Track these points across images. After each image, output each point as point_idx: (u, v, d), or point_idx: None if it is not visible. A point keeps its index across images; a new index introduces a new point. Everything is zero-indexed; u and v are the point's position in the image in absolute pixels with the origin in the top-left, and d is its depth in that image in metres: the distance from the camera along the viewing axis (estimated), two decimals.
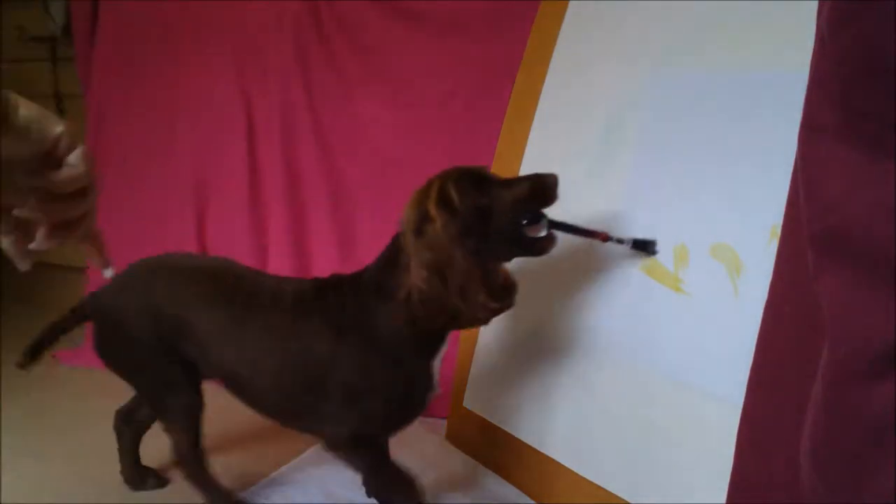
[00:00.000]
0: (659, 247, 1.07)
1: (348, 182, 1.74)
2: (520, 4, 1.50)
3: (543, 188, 0.96)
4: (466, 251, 0.91)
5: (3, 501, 1.26)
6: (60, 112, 2.23)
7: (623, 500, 1.05)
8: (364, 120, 1.71)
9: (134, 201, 1.97)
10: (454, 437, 1.44)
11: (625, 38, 1.22)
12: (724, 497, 0.85)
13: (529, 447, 1.25)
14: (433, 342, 1.02)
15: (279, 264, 1.77)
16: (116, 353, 1.12)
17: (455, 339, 1.49)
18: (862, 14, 0.52)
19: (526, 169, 1.35)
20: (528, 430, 1.26)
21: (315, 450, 1.42)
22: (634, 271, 1.10)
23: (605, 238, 1.04)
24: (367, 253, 1.75)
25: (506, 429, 1.29)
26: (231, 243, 1.85)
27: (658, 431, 1.04)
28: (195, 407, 1.11)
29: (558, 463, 1.18)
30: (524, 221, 0.96)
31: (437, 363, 1.04)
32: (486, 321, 0.96)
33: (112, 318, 1.10)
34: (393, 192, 1.69)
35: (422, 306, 0.93)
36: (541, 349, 1.24)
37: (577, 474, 1.14)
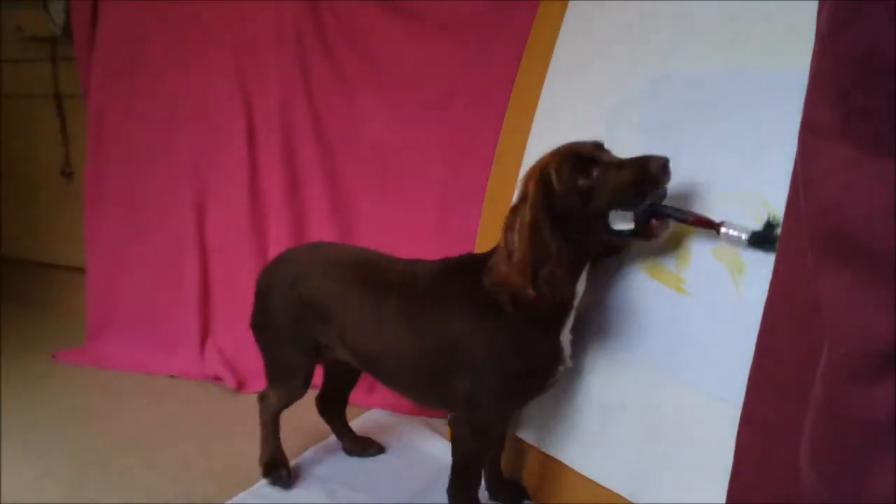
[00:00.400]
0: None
1: (348, 182, 1.74)
2: (520, 4, 1.50)
3: (646, 174, 0.92)
4: (549, 236, 0.93)
5: (3, 501, 1.26)
6: (60, 112, 2.23)
7: (623, 499, 1.06)
8: (364, 120, 1.71)
9: (134, 201, 1.97)
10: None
11: (624, 38, 1.22)
12: (724, 497, 0.85)
13: (530, 446, 1.25)
14: (557, 315, 1.02)
15: None
16: (258, 327, 1.26)
17: None
18: (862, 15, 0.52)
19: (526, 169, 1.35)
20: (528, 429, 1.26)
21: (315, 449, 1.43)
22: (636, 271, 1.10)
23: (718, 228, 0.94)
24: None
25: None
26: (231, 243, 1.85)
27: (658, 431, 1.04)
28: (298, 396, 1.27)
29: (559, 462, 1.18)
30: (622, 209, 0.94)
31: (565, 335, 1.04)
32: (553, 301, 0.96)
33: (259, 296, 1.25)
34: (393, 192, 1.70)
35: (496, 280, 0.96)
36: None
37: (577, 473, 1.14)
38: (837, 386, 0.56)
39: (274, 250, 1.78)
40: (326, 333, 1.18)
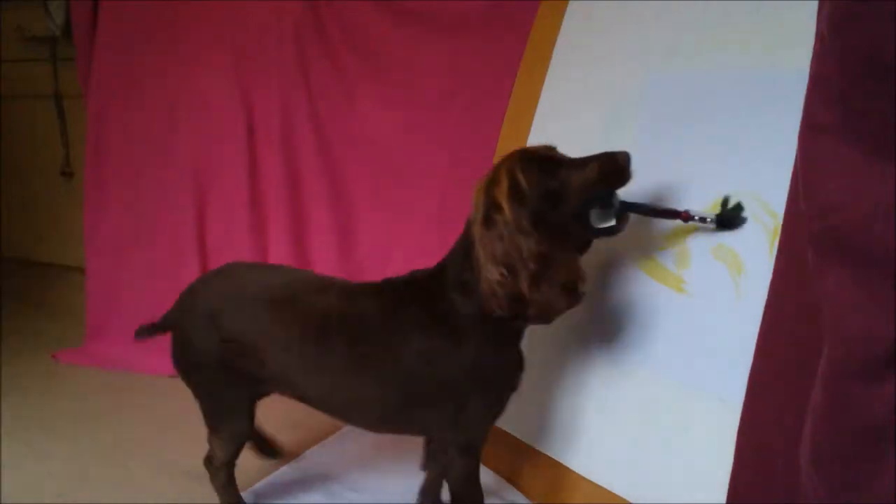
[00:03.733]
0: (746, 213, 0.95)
1: (348, 181, 1.74)
2: (520, 4, 1.50)
3: (614, 168, 0.91)
4: (538, 241, 0.88)
5: (3, 501, 1.26)
6: (60, 112, 2.23)
7: (623, 499, 1.05)
8: (364, 119, 1.71)
9: (134, 201, 1.97)
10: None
11: (624, 38, 1.22)
12: (724, 497, 0.85)
13: (529, 447, 1.25)
14: (519, 325, 0.99)
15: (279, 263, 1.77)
16: (181, 362, 1.13)
17: None
18: (862, 15, 0.52)
19: None
20: (527, 430, 1.26)
21: (315, 449, 1.43)
22: (636, 271, 1.10)
23: (687, 217, 0.96)
24: (367, 252, 1.77)
25: (505, 429, 1.29)
26: (231, 243, 1.85)
27: (658, 431, 1.04)
28: (245, 434, 1.15)
29: (558, 462, 1.18)
30: (593, 206, 0.92)
31: (523, 342, 1.03)
32: (558, 314, 0.92)
33: (179, 330, 1.11)
34: (393, 192, 1.70)
35: (496, 300, 0.90)
36: (540, 349, 1.24)
37: (576, 474, 1.14)
38: (838, 386, 0.56)
39: (274, 250, 1.78)
40: (260, 374, 1.05)
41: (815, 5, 0.62)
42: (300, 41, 1.73)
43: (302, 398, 1.07)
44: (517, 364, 1.02)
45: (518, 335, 1.01)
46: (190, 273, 1.88)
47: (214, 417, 1.13)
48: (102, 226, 2.01)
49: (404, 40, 1.66)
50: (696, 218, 0.96)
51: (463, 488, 1.05)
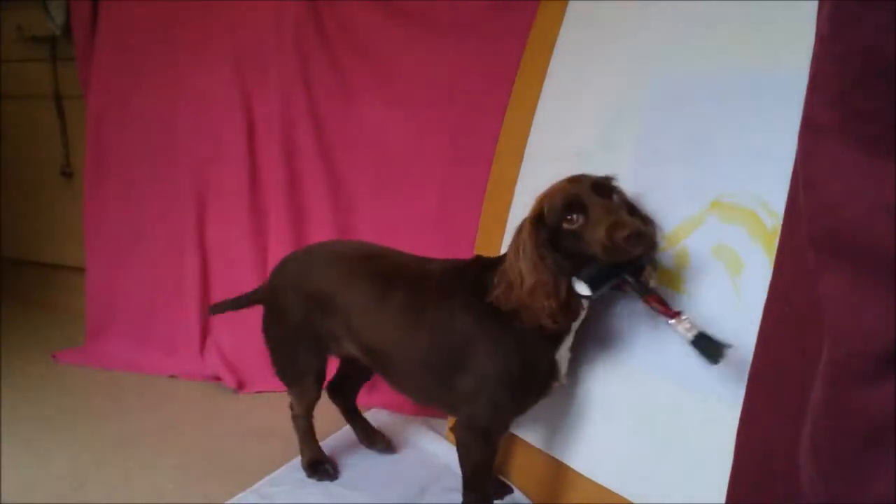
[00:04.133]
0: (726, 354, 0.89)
1: (348, 182, 1.74)
2: (520, 4, 1.50)
3: (614, 247, 0.90)
4: (541, 261, 0.96)
5: (3, 501, 1.26)
6: (60, 112, 2.23)
7: (624, 499, 1.06)
8: (364, 120, 1.71)
9: (134, 201, 1.97)
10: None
11: (624, 38, 1.22)
12: (724, 497, 0.85)
13: (530, 446, 1.25)
14: (558, 332, 1.03)
15: None
16: (269, 328, 1.28)
17: None
18: (862, 15, 0.52)
19: (525, 169, 1.35)
20: (528, 429, 1.26)
21: None
22: None
23: (677, 317, 0.92)
24: None
25: None
26: (231, 243, 1.85)
27: (658, 431, 1.04)
28: (313, 398, 1.30)
29: (559, 462, 1.18)
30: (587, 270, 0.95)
31: (563, 353, 1.06)
32: (547, 325, 0.97)
33: (270, 297, 1.27)
34: (393, 192, 1.70)
35: (500, 296, 0.99)
36: None
37: (577, 473, 1.14)
38: (837, 386, 0.56)
39: (274, 250, 1.78)
40: (334, 327, 1.19)
41: (815, 5, 0.62)
42: (300, 41, 1.73)
43: (365, 350, 1.17)
44: (546, 369, 1.05)
45: (556, 341, 1.04)
46: (190, 273, 1.89)
47: (287, 374, 1.29)
48: (102, 226, 2.01)
49: (404, 40, 1.65)
50: (679, 327, 0.91)
51: (473, 474, 1.09)
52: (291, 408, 1.32)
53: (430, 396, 1.17)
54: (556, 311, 0.96)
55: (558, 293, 0.95)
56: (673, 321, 0.92)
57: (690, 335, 0.90)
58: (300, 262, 1.25)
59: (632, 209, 1.00)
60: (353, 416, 1.44)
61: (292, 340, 1.24)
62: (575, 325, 1.05)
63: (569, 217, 0.95)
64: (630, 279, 0.95)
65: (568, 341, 1.06)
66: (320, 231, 1.75)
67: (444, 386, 1.08)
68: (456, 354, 1.06)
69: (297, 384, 1.28)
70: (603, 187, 0.97)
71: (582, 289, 0.95)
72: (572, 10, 1.34)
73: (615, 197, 0.98)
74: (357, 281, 1.16)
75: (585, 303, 1.01)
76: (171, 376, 1.86)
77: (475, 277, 1.07)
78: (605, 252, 0.91)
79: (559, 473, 1.18)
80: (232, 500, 1.24)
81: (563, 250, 0.96)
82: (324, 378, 1.28)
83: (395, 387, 1.20)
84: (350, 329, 1.17)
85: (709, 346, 0.89)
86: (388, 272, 1.15)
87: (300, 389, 1.28)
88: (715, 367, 0.92)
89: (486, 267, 1.07)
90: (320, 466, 1.32)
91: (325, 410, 1.37)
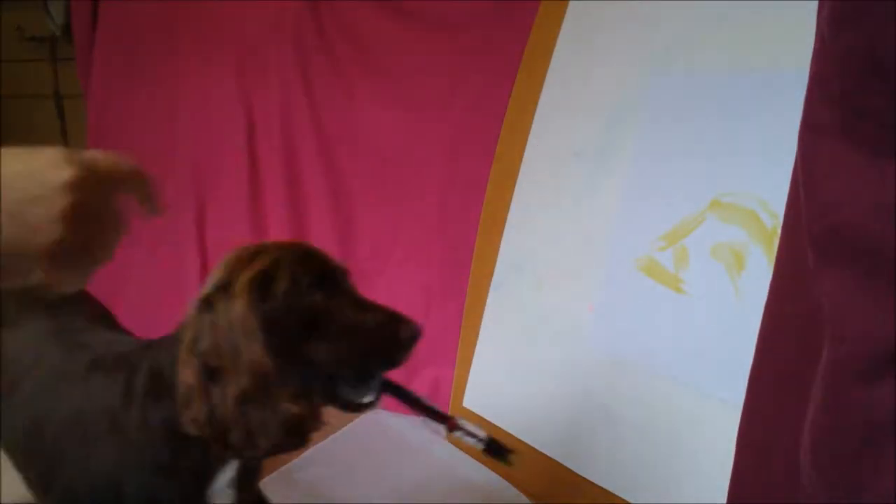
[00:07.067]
0: (512, 459, 0.85)
1: (348, 181, 1.74)
2: (520, 4, 1.50)
3: (393, 343, 0.69)
4: (264, 350, 0.65)
5: (3, 502, 1.25)
6: (60, 112, 2.23)
7: (623, 500, 1.05)
8: (364, 119, 1.71)
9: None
10: (454, 438, 1.44)
11: (625, 38, 1.21)
12: (724, 497, 0.85)
13: (529, 447, 1.25)
14: (206, 462, 0.73)
15: None
16: None
17: (454, 339, 1.49)
18: (862, 14, 0.52)
19: (525, 169, 1.35)
20: (527, 430, 1.26)
21: (315, 450, 1.42)
22: (635, 272, 1.10)
23: (453, 426, 0.83)
24: (367, 251, 1.76)
25: (505, 429, 1.28)
26: (231, 243, 1.84)
27: (658, 431, 1.04)
28: None
29: (558, 463, 1.18)
30: (347, 375, 0.72)
31: (217, 488, 0.77)
32: (267, 452, 0.68)
33: None
34: (393, 192, 1.70)
35: (190, 413, 0.65)
36: (540, 350, 1.24)
37: (577, 474, 1.14)
38: (838, 386, 0.56)
39: None
40: None
41: (814, 5, 0.62)
42: (300, 41, 1.73)
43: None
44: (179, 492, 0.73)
45: (206, 473, 0.74)
46: (190, 273, 1.89)
47: None
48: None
49: (404, 40, 1.65)
50: (464, 435, 0.84)
51: None
52: None
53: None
54: (310, 418, 0.69)
55: (307, 397, 0.68)
56: (458, 430, 0.82)
57: (480, 441, 0.84)
58: None
59: None
60: None
61: None
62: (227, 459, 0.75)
63: (316, 285, 0.70)
64: (401, 389, 0.79)
65: (222, 476, 0.77)
66: (320, 231, 1.75)
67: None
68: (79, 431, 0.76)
69: None
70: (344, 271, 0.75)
71: (358, 394, 0.75)
72: (572, 10, 1.34)
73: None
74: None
75: None
76: None
77: (131, 363, 0.75)
78: (381, 352, 0.71)
79: (559, 475, 1.18)
80: (232, 501, 1.24)
81: (287, 340, 0.68)
82: None
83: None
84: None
85: (500, 450, 0.85)
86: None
87: None
88: (715, 367, 0.92)
89: (148, 353, 0.76)
90: None
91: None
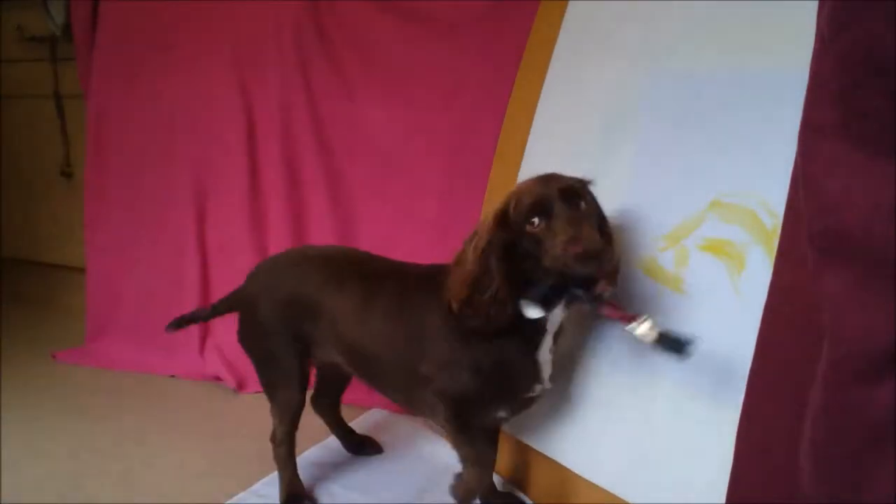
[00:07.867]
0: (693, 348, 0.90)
1: (348, 181, 1.74)
2: (520, 4, 1.50)
3: (565, 262, 0.89)
4: (497, 260, 0.94)
5: (3, 501, 1.26)
6: (60, 112, 2.23)
7: (623, 500, 1.05)
8: (364, 119, 1.71)
9: (134, 201, 1.97)
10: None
11: (624, 38, 1.22)
12: (724, 497, 0.85)
13: (529, 448, 1.25)
14: (532, 333, 1.01)
15: None
16: (248, 338, 1.24)
17: None
18: (863, 15, 0.52)
19: (526, 168, 1.35)
20: (527, 430, 1.26)
21: (315, 449, 1.42)
22: (634, 271, 1.10)
23: (632, 319, 0.93)
24: (368, 251, 1.76)
25: (505, 429, 1.28)
26: (231, 243, 1.85)
27: (658, 432, 1.04)
28: (298, 404, 1.22)
29: (558, 463, 1.18)
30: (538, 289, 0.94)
31: (543, 354, 1.03)
32: (478, 321, 0.97)
33: (247, 305, 1.23)
34: (393, 192, 1.70)
35: (448, 287, 0.99)
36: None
37: (577, 475, 1.14)
38: (838, 386, 0.56)
39: (274, 250, 1.78)
40: (318, 331, 1.17)
41: (814, 5, 0.62)
42: (300, 41, 1.73)
43: (349, 354, 1.16)
44: (523, 370, 1.03)
45: (532, 341, 1.02)
46: (190, 273, 1.89)
47: (270, 387, 1.23)
48: (102, 226, 2.01)
49: (404, 40, 1.65)
50: (637, 329, 0.92)
51: (457, 446, 1.10)
52: (273, 438, 1.24)
53: (408, 398, 1.16)
54: (485, 307, 0.95)
55: (494, 291, 0.94)
56: (633, 324, 0.92)
57: (653, 335, 0.91)
58: (278, 269, 1.23)
59: (600, 219, 0.98)
60: (337, 425, 1.42)
61: (273, 346, 1.19)
62: (551, 328, 1.02)
63: (532, 220, 0.92)
64: (580, 293, 0.94)
65: (547, 343, 1.03)
66: (320, 231, 1.75)
67: (420, 386, 1.07)
68: (423, 343, 1.06)
69: (281, 391, 1.21)
70: (572, 192, 0.93)
71: (531, 311, 0.95)
72: (572, 10, 1.34)
73: (583, 204, 0.94)
74: (344, 285, 1.15)
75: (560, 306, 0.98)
76: (171, 376, 1.86)
77: (434, 284, 1.05)
78: (555, 264, 0.90)
79: (560, 476, 1.18)
80: (232, 500, 1.24)
81: (520, 254, 0.94)
82: (307, 384, 1.23)
83: (377, 390, 1.20)
84: (335, 333, 1.15)
85: (674, 342, 0.90)
86: (372, 276, 1.15)
87: (285, 397, 1.21)
88: (714, 367, 0.92)
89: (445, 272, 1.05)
90: (299, 502, 1.23)
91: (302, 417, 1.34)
